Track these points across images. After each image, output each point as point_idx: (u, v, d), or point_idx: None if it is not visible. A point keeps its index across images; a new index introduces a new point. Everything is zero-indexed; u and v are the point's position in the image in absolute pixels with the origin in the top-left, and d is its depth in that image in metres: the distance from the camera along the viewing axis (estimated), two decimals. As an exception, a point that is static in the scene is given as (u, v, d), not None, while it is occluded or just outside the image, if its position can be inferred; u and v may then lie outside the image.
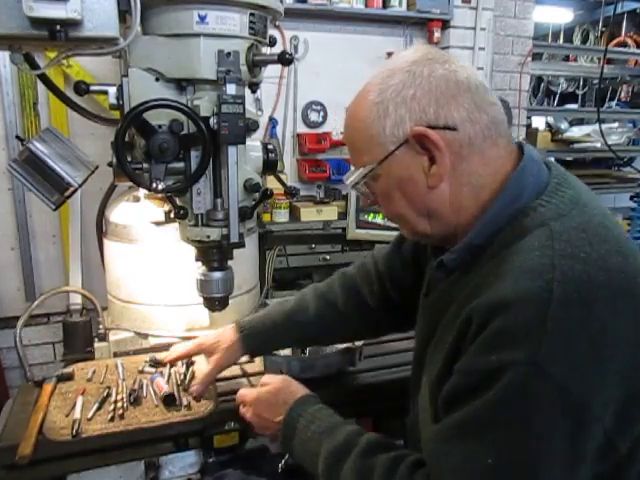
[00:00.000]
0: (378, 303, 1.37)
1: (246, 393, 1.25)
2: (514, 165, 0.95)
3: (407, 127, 0.91)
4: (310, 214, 3.11)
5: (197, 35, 1.24)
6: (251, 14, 1.27)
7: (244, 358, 1.63)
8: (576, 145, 4.56)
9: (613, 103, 5.62)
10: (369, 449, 0.95)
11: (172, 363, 1.51)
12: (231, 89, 1.22)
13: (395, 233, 1.93)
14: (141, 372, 1.53)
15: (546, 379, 0.75)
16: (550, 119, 4.86)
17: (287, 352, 1.52)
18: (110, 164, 1.30)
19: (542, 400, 0.76)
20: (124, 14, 1.15)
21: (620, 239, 0.88)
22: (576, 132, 4.63)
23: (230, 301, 1.49)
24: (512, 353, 0.77)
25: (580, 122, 5.02)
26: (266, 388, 1.22)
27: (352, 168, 1.02)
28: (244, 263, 1.90)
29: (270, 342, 1.43)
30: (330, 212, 3.13)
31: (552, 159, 3.89)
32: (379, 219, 1.97)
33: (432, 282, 1.09)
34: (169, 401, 1.36)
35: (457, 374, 0.85)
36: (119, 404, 1.35)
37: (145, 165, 1.25)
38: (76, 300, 1.96)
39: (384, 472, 0.90)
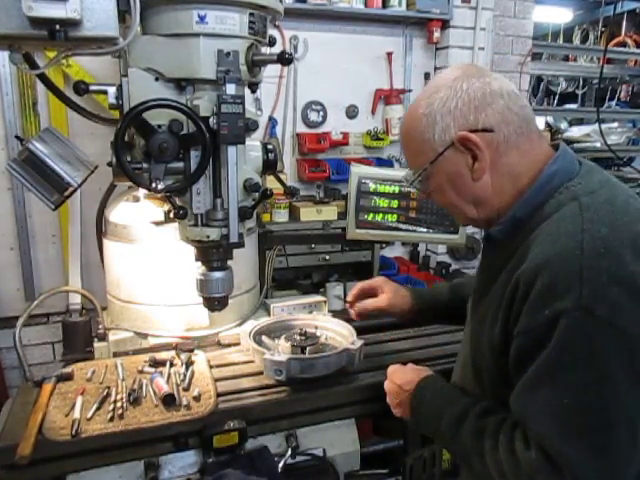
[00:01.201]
0: None
1: (392, 366, 1.42)
2: (549, 156, 1.10)
3: (452, 132, 1.08)
4: (310, 214, 3.11)
5: (197, 35, 1.24)
6: (251, 14, 1.27)
7: (243, 358, 1.64)
8: (576, 145, 4.56)
9: (613, 103, 5.62)
10: (482, 413, 1.11)
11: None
12: (231, 89, 1.22)
13: (394, 233, 1.93)
14: (141, 372, 1.53)
15: (594, 319, 0.89)
16: (550, 119, 4.86)
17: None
18: (110, 164, 1.30)
19: (596, 337, 0.90)
20: (124, 14, 1.15)
21: None
22: (576, 132, 4.63)
23: (230, 301, 1.50)
24: (561, 303, 0.91)
25: (580, 122, 5.02)
26: (407, 366, 1.40)
27: (408, 170, 1.21)
28: (244, 263, 1.90)
29: (434, 306, 1.62)
30: (330, 212, 3.13)
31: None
32: (379, 219, 1.97)
33: (483, 255, 1.26)
34: (169, 401, 1.36)
35: (519, 337, 0.99)
36: (119, 404, 1.35)
37: (145, 165, 1.25)
38: (76, 300, 1.96)
39: (493, 429, 1.06)
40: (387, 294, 1.59)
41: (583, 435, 0.90)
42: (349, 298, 1.64)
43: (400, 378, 1.35)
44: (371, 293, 1.63)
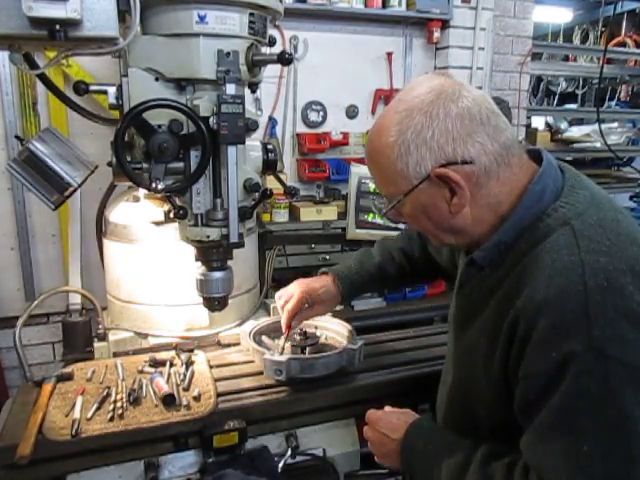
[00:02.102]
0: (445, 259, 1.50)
1: (372, 412, 1.31)
2: (530, 176, 1.05)
3: (428, 165, 1.00)
4: (310, 214, 3.10)
5: (197, 35, 1.24)
6: (251, 14, 1.27)
7: (243, 358, 1.64)
8: (576, 145, 4.56)
9: (613, 103, 5.62)
10: (486, 459, 1.03)
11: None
12: (231, 89, 1.22)
13: (394, 233, 1.94)
14: (141, 372, 1.53)
15: (606, 359, 0.85)
16: (550, 119, 4.86)
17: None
18: (110, 164, 1.30)
19: (610, 378, 0.86)
20: (124, 14, 1.15)
21: (631, 230, 0.98)
22: (576, 132, 4.62)
23: (230, 301, 1.50)
24: (569, 345, 0.87)
25: (580, 122, 5.01)
26: (388, 410, 1.31)
27: (376, 189, 1.18)
28: (244, 263, 1.90)
29: (362, 290, 1.68)
30: (330, 212, 3.13)
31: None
32: (379, 219, 1.97)
33: (465, 277, 1.18)
34: (169, 401, 1.36)
35: (525, 380, 0.94)
36: (119, 404, 1.35)
37: (145, 165, 1.25)
38: (76, 300, 1.96)
39: (503, 478, 0.98)
40: (319, 305, 1.54)
41: None
42: (285, 331, 1.55)
43: (385, 426, 1.24)
44: (302, 308, 1.54)
